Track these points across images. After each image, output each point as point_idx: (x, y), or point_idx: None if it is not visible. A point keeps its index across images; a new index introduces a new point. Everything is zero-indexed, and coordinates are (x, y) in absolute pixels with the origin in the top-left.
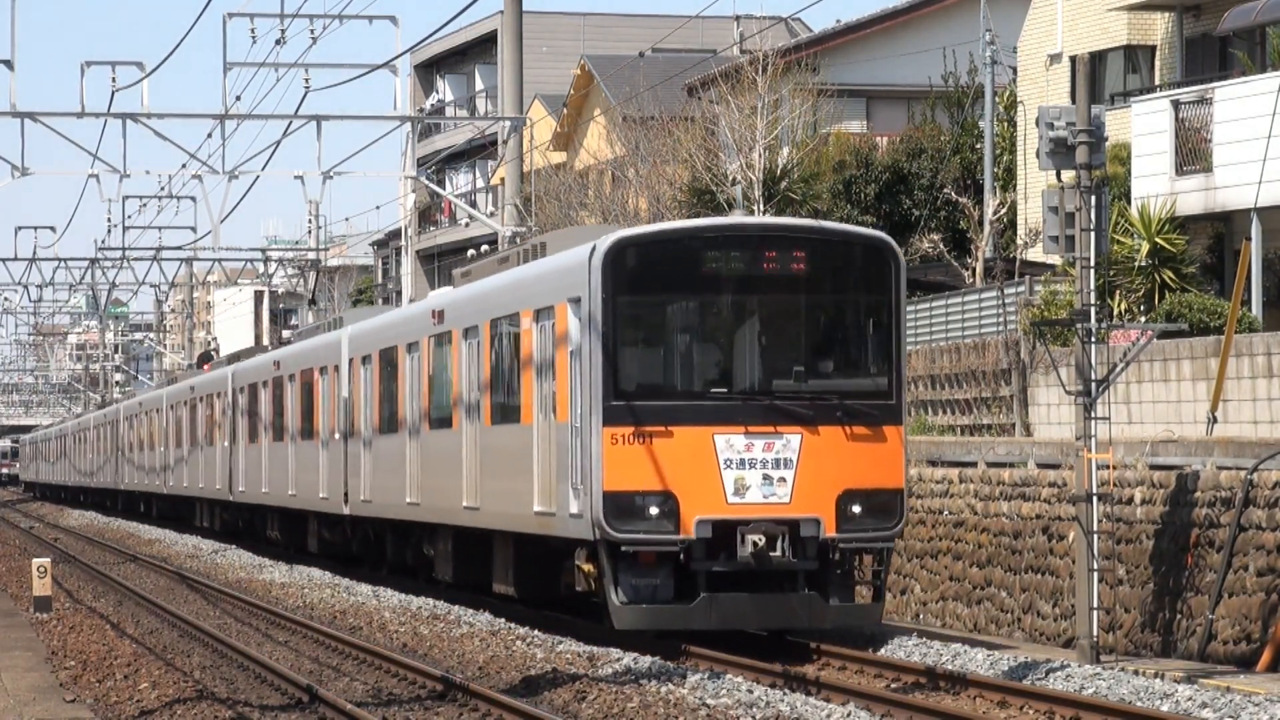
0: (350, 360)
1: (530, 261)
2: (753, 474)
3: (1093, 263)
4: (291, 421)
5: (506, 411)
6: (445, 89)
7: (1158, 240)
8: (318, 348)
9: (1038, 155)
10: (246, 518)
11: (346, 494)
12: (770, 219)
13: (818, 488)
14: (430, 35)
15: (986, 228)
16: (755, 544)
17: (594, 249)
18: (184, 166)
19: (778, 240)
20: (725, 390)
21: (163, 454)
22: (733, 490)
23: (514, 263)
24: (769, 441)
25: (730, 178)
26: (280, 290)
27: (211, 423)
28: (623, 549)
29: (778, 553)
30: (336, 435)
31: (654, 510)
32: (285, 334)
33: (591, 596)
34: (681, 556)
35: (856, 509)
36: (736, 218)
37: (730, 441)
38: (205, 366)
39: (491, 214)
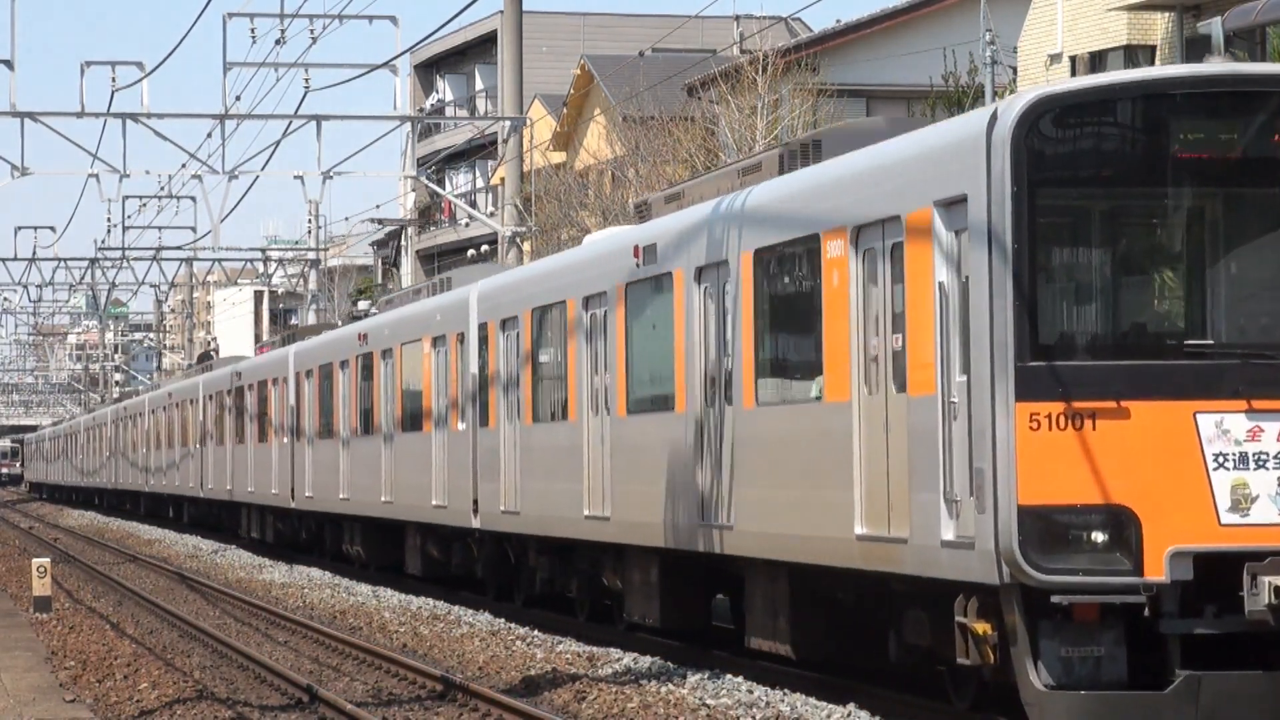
0: (484, 325)
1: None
2: (1262, 477)
3: None
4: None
5: (784, 386)
6: (445, 89)
7: None
8: (422, 315)
9: None
10: (312, 528)
11: (476, 501)
12: None
13: None
14: (430, 35)
15: None
16: (1275, 591)
17: (994, 116)
18: (184, 166)
19: None
20: (1212, 344)
21: (198, 452)
22: (1229, 504)
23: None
24: None
25: None
26: (280, 290)
27: (265, 415)
28: (1051, 599)
29: None
30: (461, 424)
31: (1099, 536)
32: (363, 305)
33: (982, 671)
34: (1145, 611)
35: None
36: (1229, 64)
37: (1223, 424)
38: (262, 350)
39: (491, 214)
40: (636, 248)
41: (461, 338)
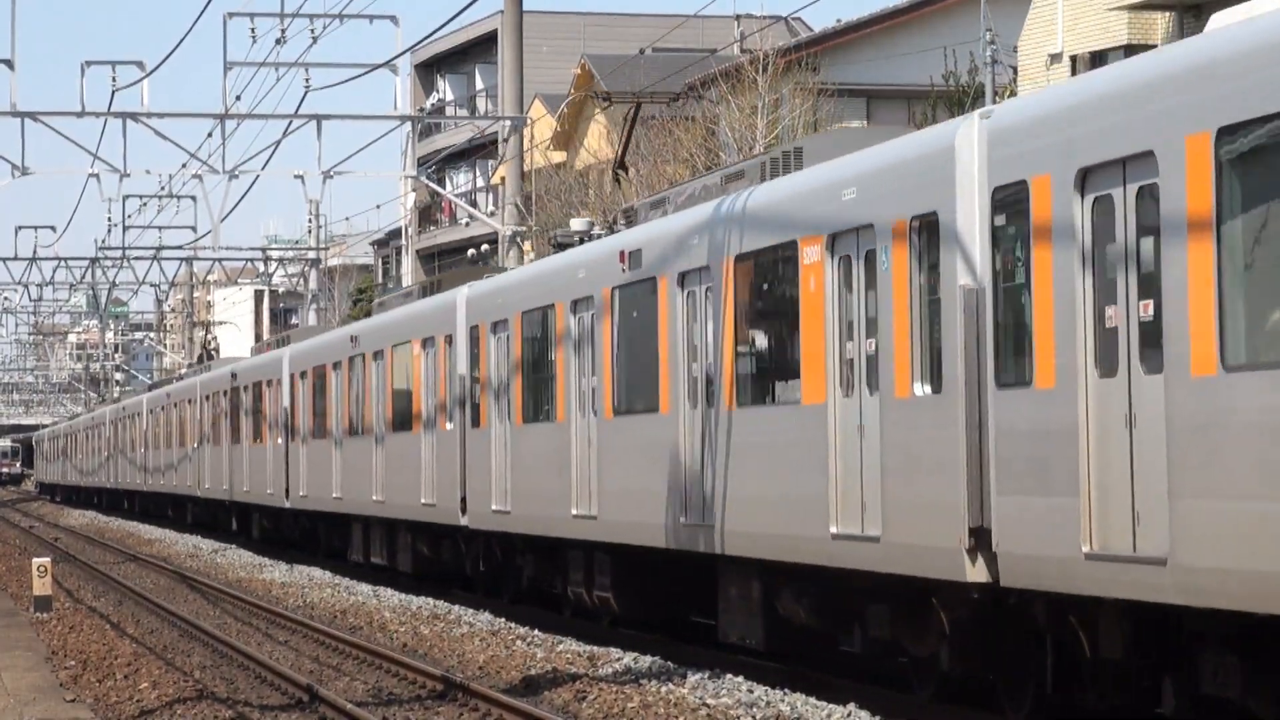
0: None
1: None
2: None
3: None
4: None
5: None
6: (445, 88)
7: None
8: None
9: None
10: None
11: (464, 499)
12: None
13: None
14: (430, 35)
15: None
16: None
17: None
18: (184, 166)
19: None
20: None
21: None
22: None
23: None
24: None
25: None
26: (280, 290)
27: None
28: None
29: None
30: (450, 425)
31: None
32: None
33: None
34: None
35: None
36: None
37: None
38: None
39: (492, 213)
40: (623, 253)
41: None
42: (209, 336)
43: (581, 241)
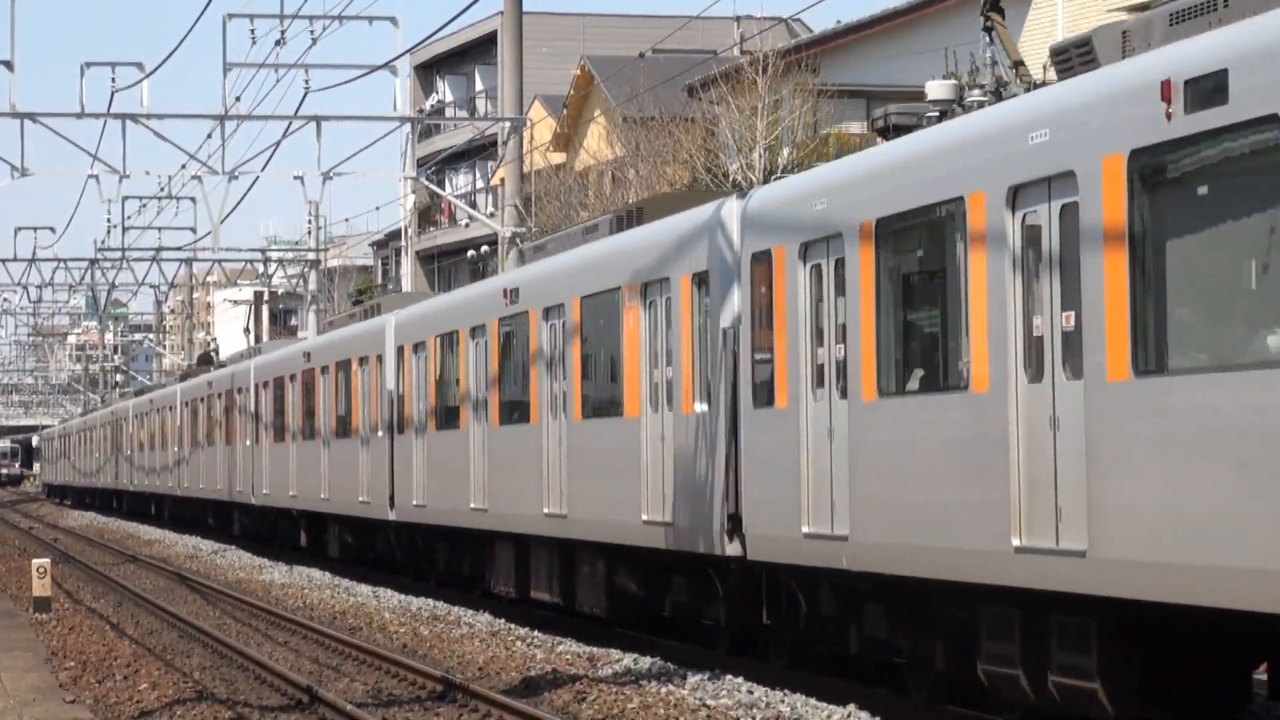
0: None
1: None
2: None
3: None
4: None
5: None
6: (445, 90)
7: None
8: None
9: None
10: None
11: (392, 497)
12: None
13: None
14: (430, 36)
15: None
16: None
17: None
18: (184, 167)
19: None
20: None
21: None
22: None
23: None
24: None
25: (730, 178)
26: (280, 291)
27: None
28: None
29: None
30: (380, 433)
31: None
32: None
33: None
34: None
35: None
36: None
37: None
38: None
39: (491, 214)
40: (505, 290)
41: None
42: (209, 338)
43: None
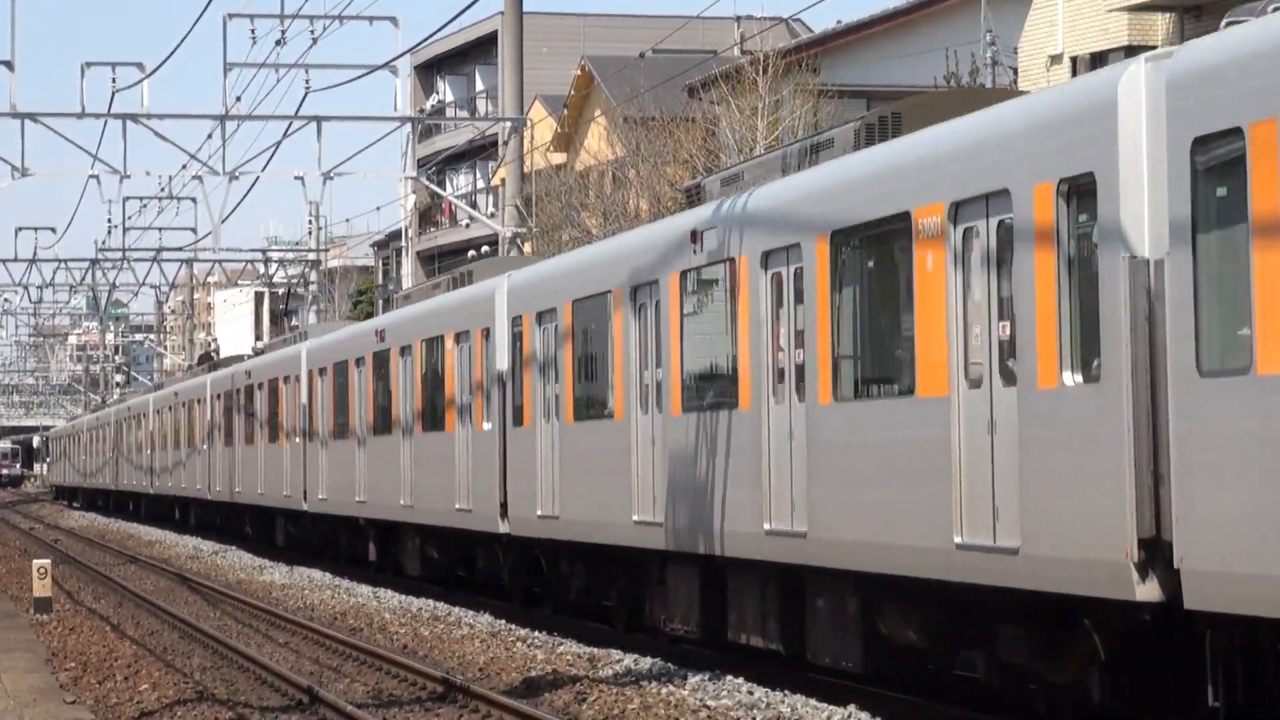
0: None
1: None
2: None
3: None
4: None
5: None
6: (445, 90)
7: None
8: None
9: None
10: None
11: (305, 493)
12: None
13: None
14: (430, 36)
15: None
16: None
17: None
18: (184, 167)
19: None
20: None
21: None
22: None
23: None
24: None
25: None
26: (281, 291)
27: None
28: None
29: None
30: (297, 439)
31: None
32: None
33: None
34: None
35: None
36: None
37: None
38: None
39: (492, 215)
40: (376, 330)
41: (487, 333)
42: (210, 339)
43: None
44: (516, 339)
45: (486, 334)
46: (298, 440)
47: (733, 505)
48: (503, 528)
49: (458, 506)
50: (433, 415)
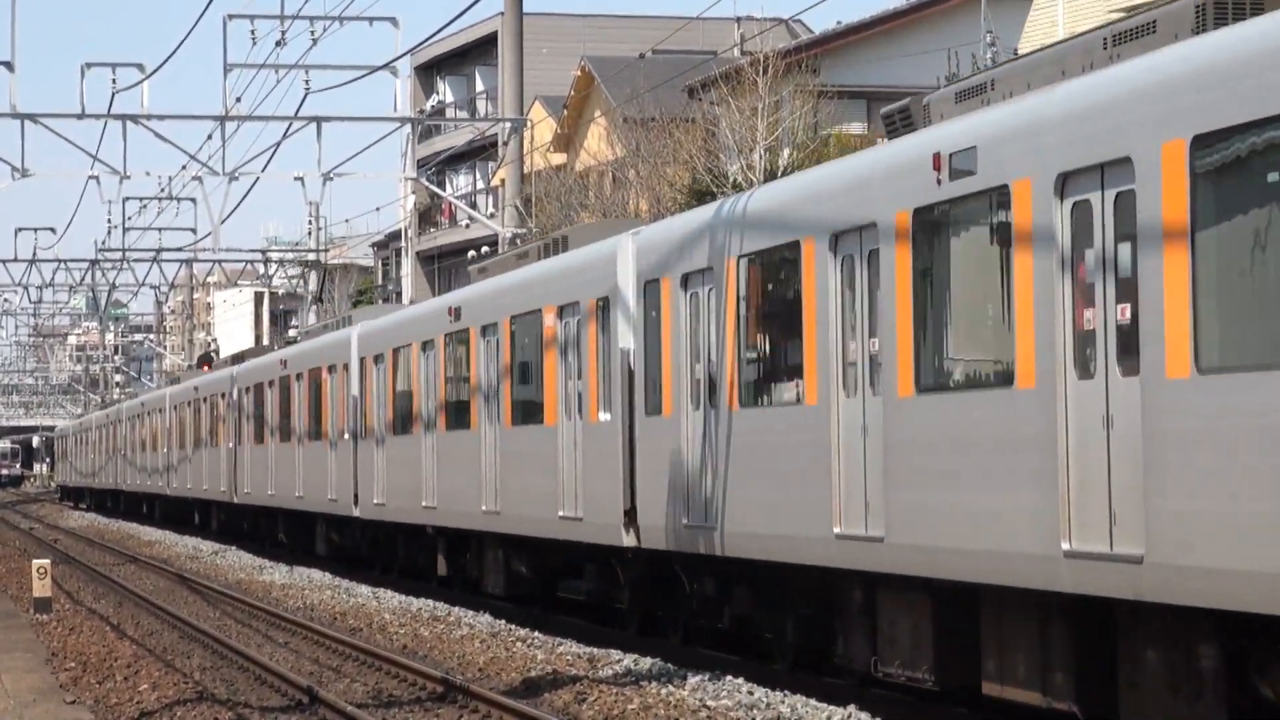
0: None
1: None
2: None
3: None
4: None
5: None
6: (445, 90)
7: None
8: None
9: None
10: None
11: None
12: None
13: None
14: (430, 37)
15: None
16: None
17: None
18: (184, 168)
19: None
20: None
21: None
22: None
23: None
24: None
25: (731, 179)
26: (281, 291)
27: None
28: None
29: None
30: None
31: None
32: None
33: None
34: None
35: None
36: None
37: None
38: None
39: (492, 215)
40: (450, 308)
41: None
42: (209, 339)
43: None
44: (651, 308)
45: (603, 305)
46: (346, 437)
47: (1007, 515)
48: (627, 540)
49: (561, 514)
50: (525, 405)
